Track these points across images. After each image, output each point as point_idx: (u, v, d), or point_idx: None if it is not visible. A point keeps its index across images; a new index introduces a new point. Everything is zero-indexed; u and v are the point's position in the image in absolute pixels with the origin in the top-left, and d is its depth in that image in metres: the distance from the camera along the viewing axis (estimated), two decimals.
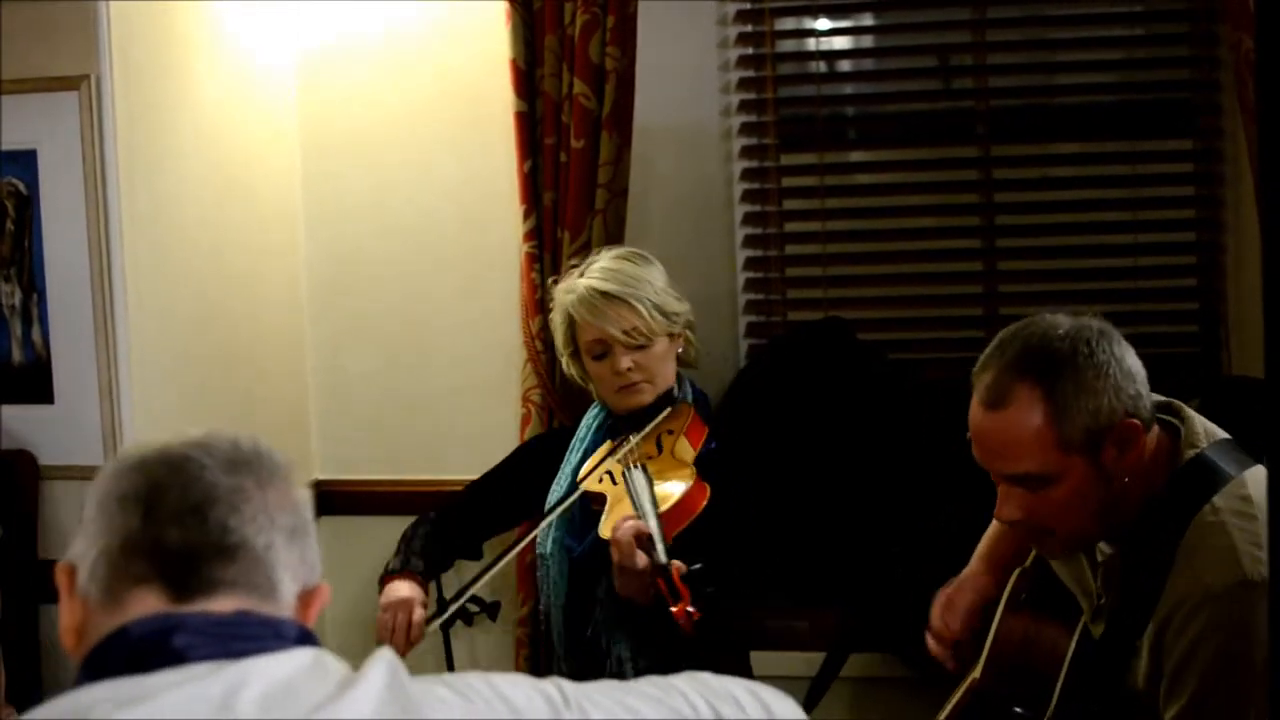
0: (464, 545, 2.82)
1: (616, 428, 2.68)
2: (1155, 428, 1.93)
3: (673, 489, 2.49)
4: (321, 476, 3.57)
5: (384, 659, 1.22)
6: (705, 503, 2.48)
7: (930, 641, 2.25)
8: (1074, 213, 3.45)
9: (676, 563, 2.32)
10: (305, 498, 1.33)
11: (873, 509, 3.16)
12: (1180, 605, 1.82)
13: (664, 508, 2.44)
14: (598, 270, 2.62)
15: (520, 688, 1.28)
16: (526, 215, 3.24)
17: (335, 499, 3.55)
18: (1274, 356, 1.17)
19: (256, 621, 1.22)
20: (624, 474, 2.55)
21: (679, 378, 2.72)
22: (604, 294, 2.58)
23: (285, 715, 1.15)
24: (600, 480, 2.58)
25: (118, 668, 1.17)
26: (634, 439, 2.59)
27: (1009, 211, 3.47)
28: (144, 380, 2.83)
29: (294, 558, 1.29)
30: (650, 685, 1.38)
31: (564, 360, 2.75)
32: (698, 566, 2.33)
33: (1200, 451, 1.90)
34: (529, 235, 3.25)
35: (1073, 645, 2.01)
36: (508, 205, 3.31)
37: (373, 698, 1.18)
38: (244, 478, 1.28)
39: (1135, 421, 1.86)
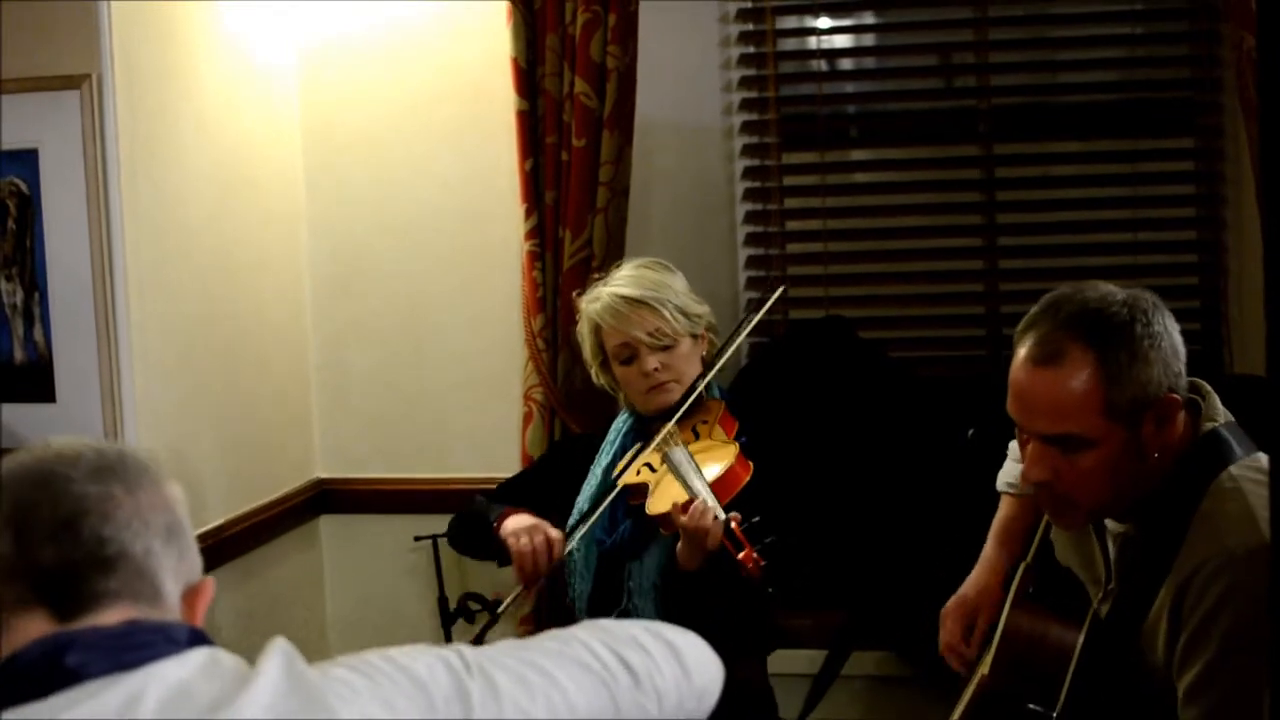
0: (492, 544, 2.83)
1: (646, 431, 2.73)
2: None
3: (718, 463, 2.53)
4: (323, 475, 3.57)
5: (280, 649, 1.22)
6: (749, 478, 2.52)
7: (948, 658, 2.24)
8: (1075, 211, 3.45)
9: (735, 514, 2.37)
10: (178, 495, 1.31)
11: (874, 507, 3.16)
12: (1201, 568, 1.80)
13: (711, 478, 2.49)
14: (620, 278, 2.69)
15: (421, 659, 1.28)
16: (528, 214, 3.25)
17: (337, 497, 3.56)
18: (1275, 355, 1.17)
19: (146, 629, 1.21)
20: (664, 457, 2.59)
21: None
22: (627, 299, 2.64)
23: (182, 716, 1.14)
24: (638, 473, 2.61)
25: (12, 697, 1.15)
26: (669, 427, 2.63)
27: (1010, 210, 3.47)
28: (146, 379, 2.83)
29: (173, 558, 1.27)
30: (550, 639, 1.38)
31: (594, 371, 2.80)
32: (756, 519, 2.37)
33: (1217, 426, 1.90)
34: (530, 234, 3.25)
35: (1082, 636, 2.00)
36: (509, 203, 3.32)
37: (269, 691, 1.17)
38: (111, 484, 1.25)
39: (1176, 397, 1.86)
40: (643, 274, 2.68)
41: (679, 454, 2.57)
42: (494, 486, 2.93)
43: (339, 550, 3.59)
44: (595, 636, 1.39)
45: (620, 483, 2.62)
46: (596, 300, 2.69)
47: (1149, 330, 1.85)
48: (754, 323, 2.67)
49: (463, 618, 2.99)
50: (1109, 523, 2.00)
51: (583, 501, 2.72)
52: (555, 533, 2.56)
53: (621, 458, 2.72)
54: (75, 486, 1.24)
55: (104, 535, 1.22)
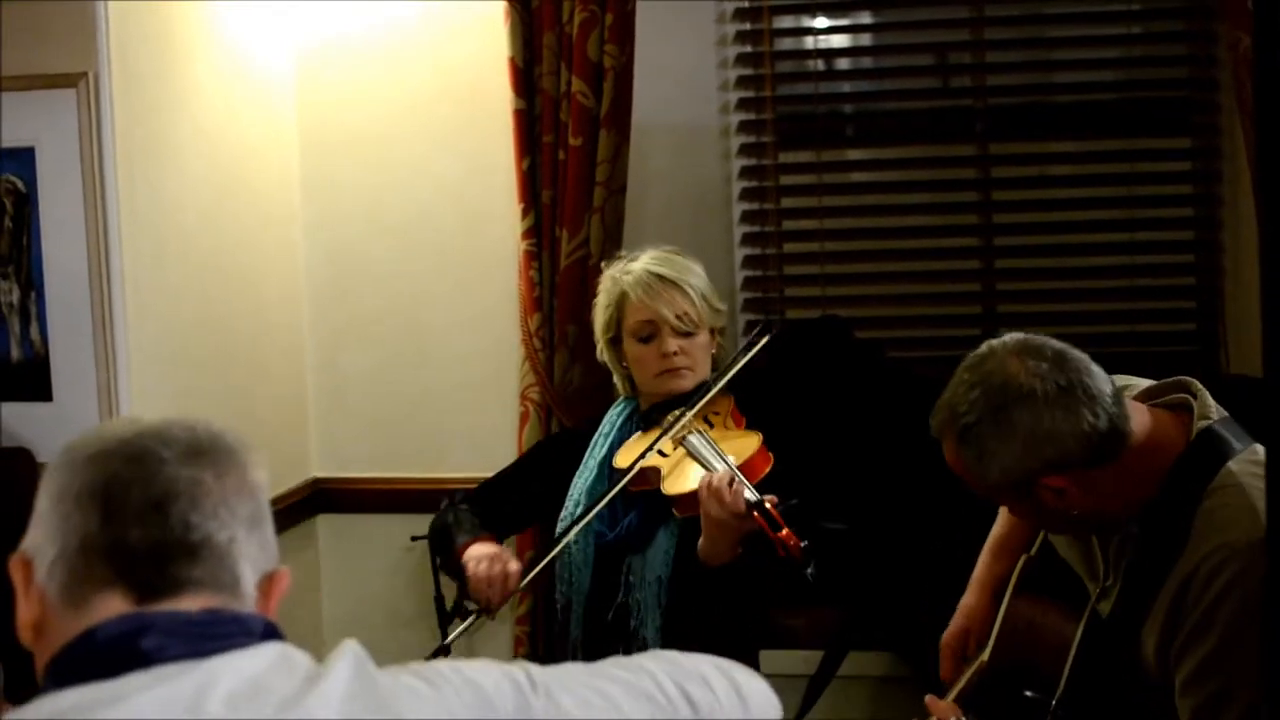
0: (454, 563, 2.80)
1: (647, 420, 2.70)
2: (1162, 418, 1.94)
3: (741, 448, 2.51)
4: (320, 474, 3.57)
5: (350, 651, 1.22)
6: (770, 469, 2.50)
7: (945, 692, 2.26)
8: (1072, 211, 3.46)
9: (770, 496, 2.35)
10: (263, 481, 1.31)
11: (870, 506, 3.16)
12: (1205, 562, 1.83)
13: (737, 462, 2.46)
14: (650, 258, 2.68)
15: (489, 674, 1.29)
16: (525, 213, 3.25)
17: (334, 497, 3.56)
18: (1272, 355, 1.17)
19: (224, 619, 1.21)
20: (680, 443, 2.56)
21: None
22: (660, 277, 2.63)
23: (253, 714, 1.15)
24: (647, 458, 2.57)
25: (86, 672, 1.15)
26: (684, 415, 2.59)
27: (1007, 210, 3.47)
28: (142, 378, 2.83)
29: (254, 547, 1.28)
30: (618, 667, 1.39)
31: (600, 346, 2.75)
32: (794, 501, 2.36)
33: (1211, 424, 1.92)
34: (527, 233, 3.25)
35: (1080, 629, 2.02)
36: (507, 202, 3.31)
37: (339, 692, 1.18)
38: (202, 469, 1.25)
39: (1056, 481, 1.86)
40: (674, 257, 2.69)
41: (697, 439, 2.54)
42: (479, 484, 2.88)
43: (336, 550, 3.59)
44: (663, 669, 1.40)
45: (638, 467, 2.54)
46: (628, 273, 2.67)
47: (997, 429, 1.87)
48: (739, 367, 2.62)
49: (459, 617, 2.98)
50: None
51: (578, 494, 2.67)
52: (514, 565, 2.52)
53: (621, 447, 2.67)
54: (168, 468, 1.23)
55: (191, 521, 1.22)
